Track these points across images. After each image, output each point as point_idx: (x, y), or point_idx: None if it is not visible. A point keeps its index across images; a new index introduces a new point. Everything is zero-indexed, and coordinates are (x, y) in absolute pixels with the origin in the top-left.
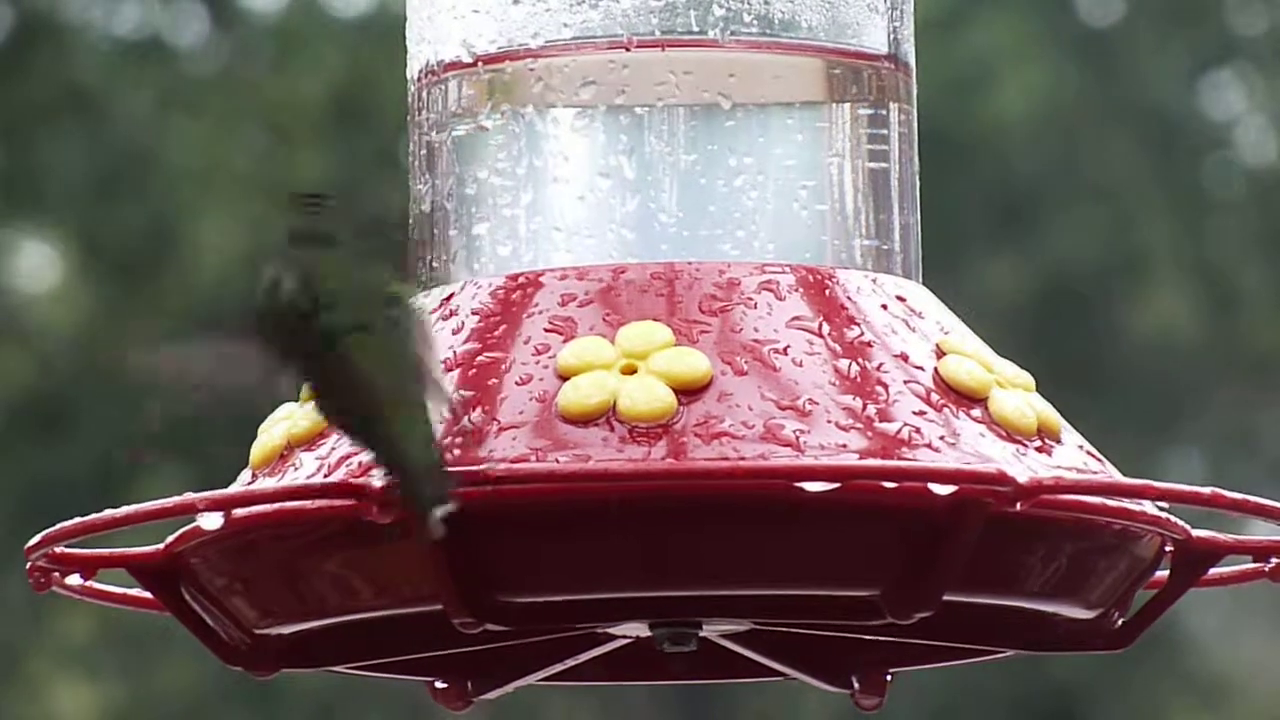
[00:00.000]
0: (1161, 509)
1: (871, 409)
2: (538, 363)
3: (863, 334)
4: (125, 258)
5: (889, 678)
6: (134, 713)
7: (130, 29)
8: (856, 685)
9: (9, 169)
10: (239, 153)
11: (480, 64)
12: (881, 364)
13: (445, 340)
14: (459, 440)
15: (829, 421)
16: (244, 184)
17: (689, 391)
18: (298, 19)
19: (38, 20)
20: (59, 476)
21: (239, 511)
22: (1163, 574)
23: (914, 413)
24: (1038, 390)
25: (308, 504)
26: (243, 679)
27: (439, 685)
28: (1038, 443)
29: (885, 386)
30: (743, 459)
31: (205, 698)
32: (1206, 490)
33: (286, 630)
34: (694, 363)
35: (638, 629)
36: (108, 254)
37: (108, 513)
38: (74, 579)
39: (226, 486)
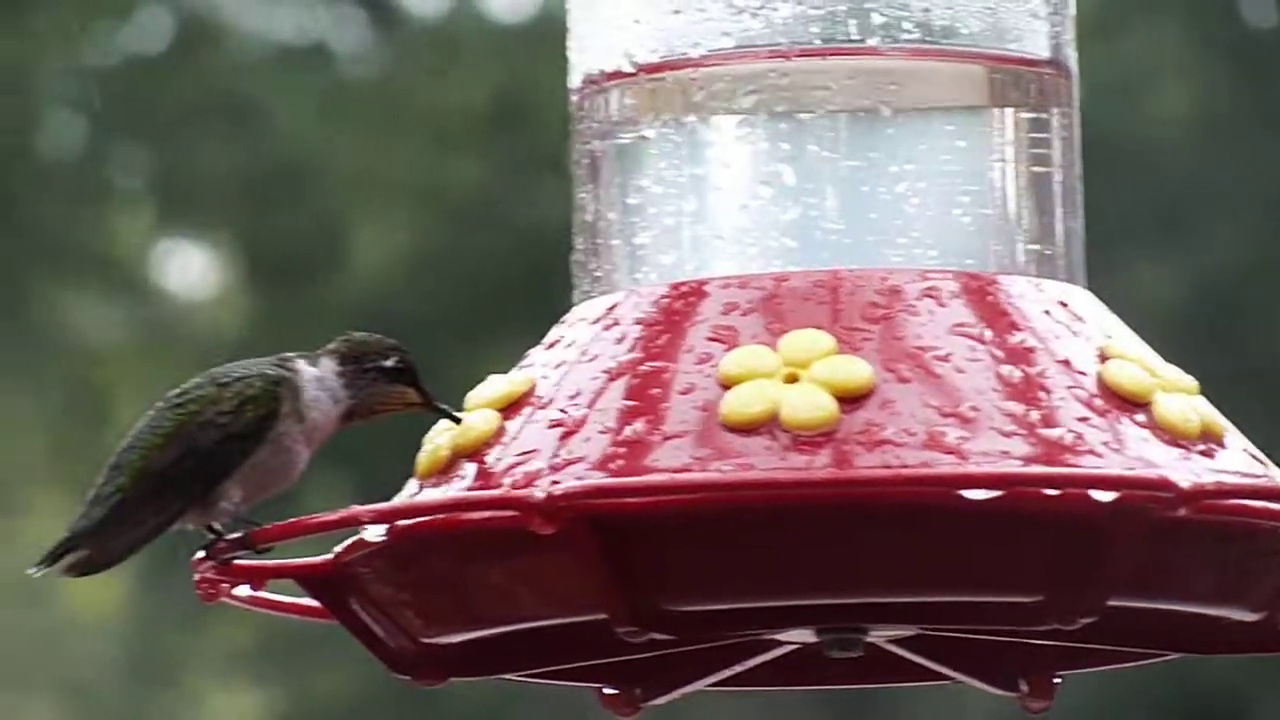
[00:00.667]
0: None
1: (1034, 415)
2: (700, 372)
3: (1025, 340)
4: (285, 264)
5: (1057, 680)
6: (297, 717)
7: (290, 34)
8: (1024, 688)
9: (169, 175)
10: (398, 159)
11: (642, 73)
12: (1044, 369)
13: (608, 350)
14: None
15: (991, 428)
16: (403, 190)
17: (851, 400)
18: (457, 24)
19: (197, 25)
20: None
21: (403, 523)
22: None
23: (1077, 418)
24: (1201, 394)
25: (471, 515)
26: (403, 683)
27: (607, 691)
28: (1201, 447)
29: (1048, 392)
30: (905, 467)
31: (366, 703)
32: None
33: (454, 639)
34: (856, 371)
35: (804, 635)
36: (268, 260)
37: (274, 525)
38: (242, 589)
39: (393, 496)
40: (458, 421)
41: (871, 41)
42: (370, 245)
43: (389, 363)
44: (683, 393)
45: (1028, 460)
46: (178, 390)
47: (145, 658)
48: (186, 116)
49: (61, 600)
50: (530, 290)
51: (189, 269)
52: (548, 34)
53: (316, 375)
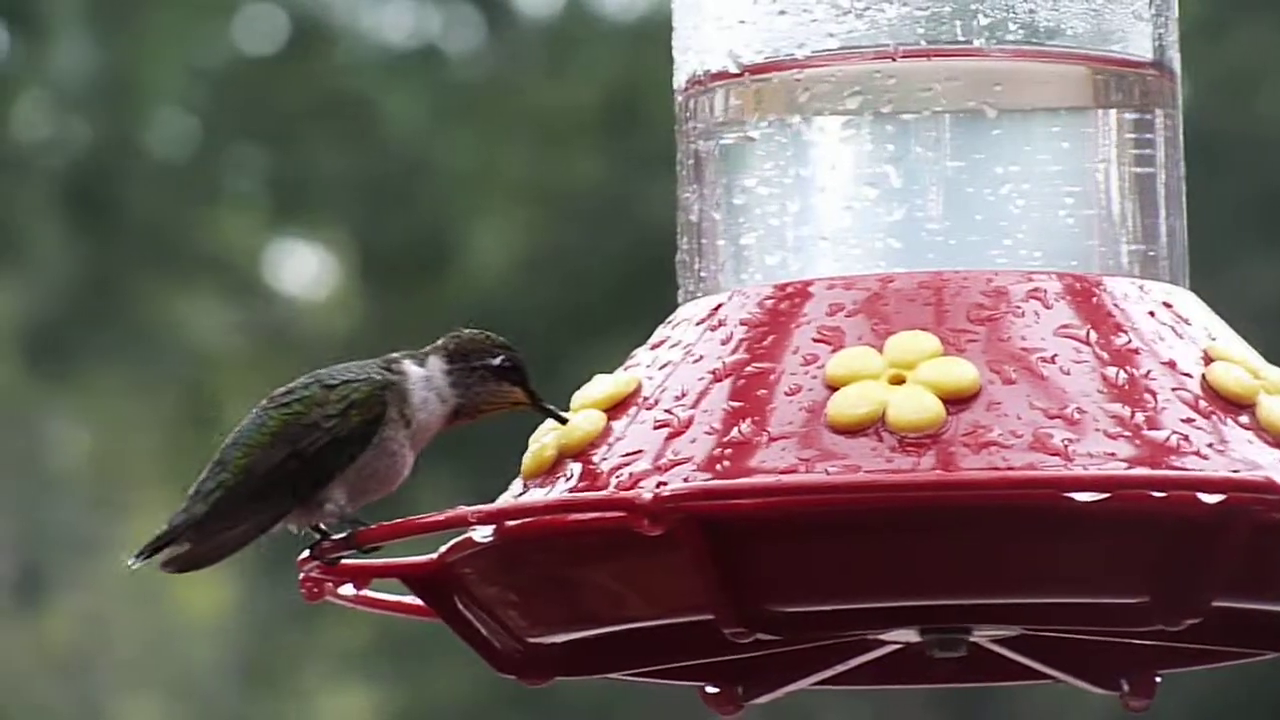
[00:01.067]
0: None
1: (1139, 417)
2: (806, 373)
3: (1130, 341)
4: (399, 265)
5: (1158, 680)
6: (410, 717)
7: (403, 35)
8: (1125, 687)
9: (283, 175)
10: (511, 158)
11: (747, 74)
12: (1149, 371)
13: (713, 350)
14: None
15: (1097, 430)
16: (517, 190)
17: (957, 401)
18: (571, 23)
19: (310, 26)
20: None
21: (510, 523)
22: None
23: (1182, 420)
24: None
25: (578, 515)
26: (512, 683)
27: (710, 690)
28: None
29: (1153, 394)
30: (1011, 469)
31: (478, 703)
32: None
33: (559, 639)
34: (962, 372)
35: (907, 635)
36: (381, 261)
37: (379, 525)
38: (347, 589)
39: (499, 496)
40: (564, 422)
41: (976, 42)
42: (483, 245)
43: (497, 361)
44: (789, 394)
45: (1133, 462)
46: (285, 389)
47: (256, 658)
48: (299, 117)
49: (173, 601)
50: (645, 289)
51: (302, 270)
52: (661, 31)
53: (424, 375)
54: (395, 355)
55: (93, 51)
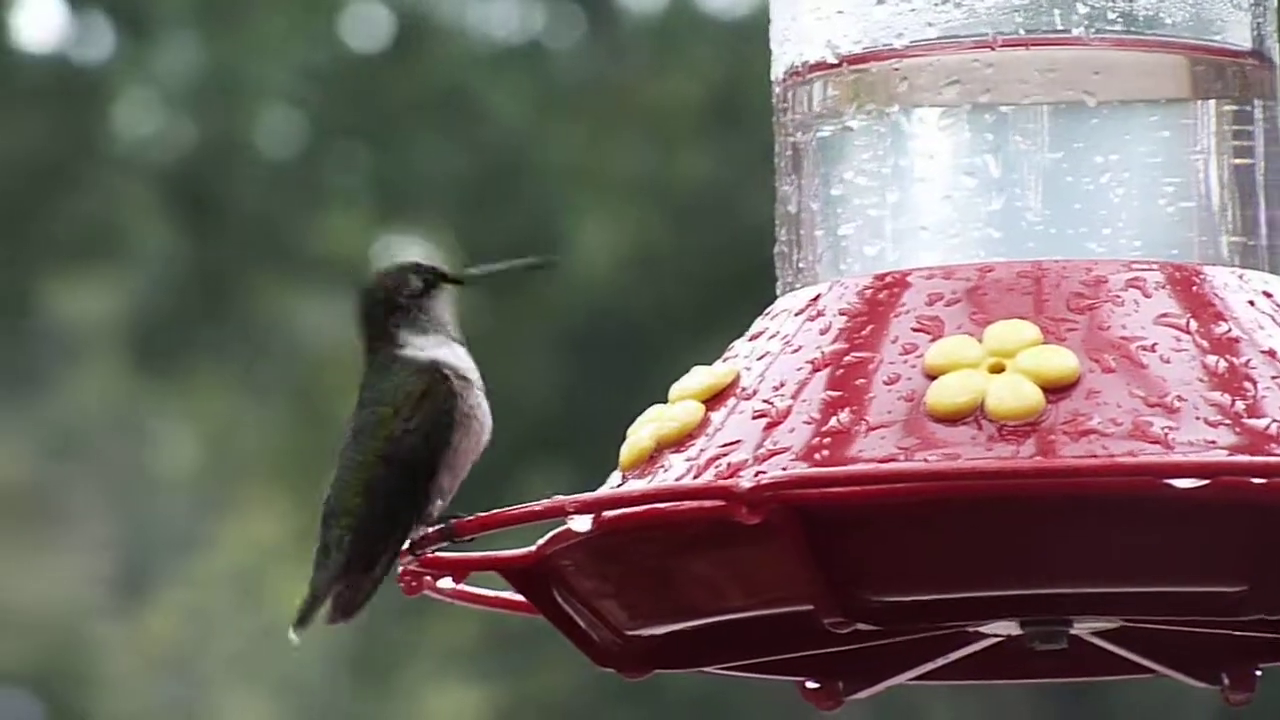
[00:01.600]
0: None
1: (1239, 405)
2: (905, 362)
3: (1230, 330)
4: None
5: (1258, 673)
6: (517, 713)
7: (508, 32)
8: (1225, 681)
9: (388, 171)
10: (616, 155)
11: (845, 64)
12: (1249, 360)
13: (812, 340)
14: None
15: (1197, 418)
16: (623, 186)
17: (1057, 389)
18: (675, 20)
19: (416, 23)
20: None
21: (608, 514)
22: None
23: None
24: None
25: (676, 505)
26: (614, 677)
27: (810, 685)
28: None
29: (1253, 382)
30: (1111, 456)
31: (587, 698)
32: None
33: (657, 631)
34: (1062, 361)
35: (1007, 627)
36: (487, 258)
37: (476, 516)
38: (445, 582)
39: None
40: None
41: (1075, 31)
42: (587, 241)
43: (413, 286)
44: (888, 383)
45: (1233, 450)
46: (353, 424)
47: (363, 654)
48: (405, 114)
49: (280, 598)
50: (749, 284)
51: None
52: (764, 26)
53: (425, 337)
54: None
55: (198, 49)
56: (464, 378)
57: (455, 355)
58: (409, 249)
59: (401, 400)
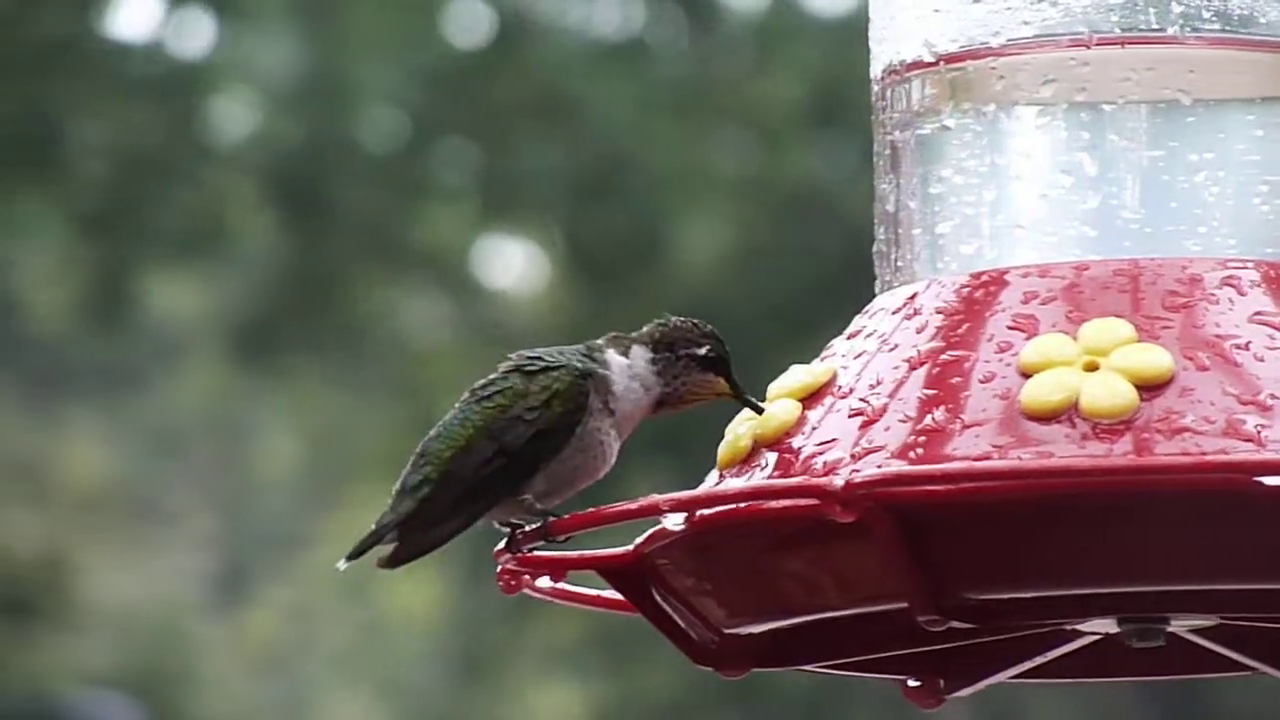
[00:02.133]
0: None
1: None
2: (1000, 360)
3: None
4: (608, 260)
5: None
6: (620, 713)
7: (609, 31)
8: None
9: (491, 171)
10: (719, 153)
11: (942, 63)
12: None
13: (909, 339)
14: None
15: None
16: (725, 185)
17: (1151, 388)
18: (777, 18)
19: (517, 22)
20: None
21: (703, 512)
22: None
23: None
24: None
25: (771, 504)
26: (713, 675)
27: (911, 683)
28: None
29: None
30: (1204, 454)
31: (690, 697)
32: None
33: (755, 629)
34: (1156, 359)
35: (1105, 626)
36: (591, 256)
37: (572, 515)
38: (543, 581)
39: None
40: (761, 412)
41: (1170, 30)
42: (690, 239)
43: (703, 351)
44: (983, 381)
45: None
46: (486, 380)
47: (465, 654)
48: (507, 112)
49: (385, 596)
50: (851, 281)
51: (511, 265)
52: (866, 25)
53: (626, 364)
54: (599, 342)
55: (300, 47)
56: (611, 408)
57: (630, 395)
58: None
59: (539, 387)
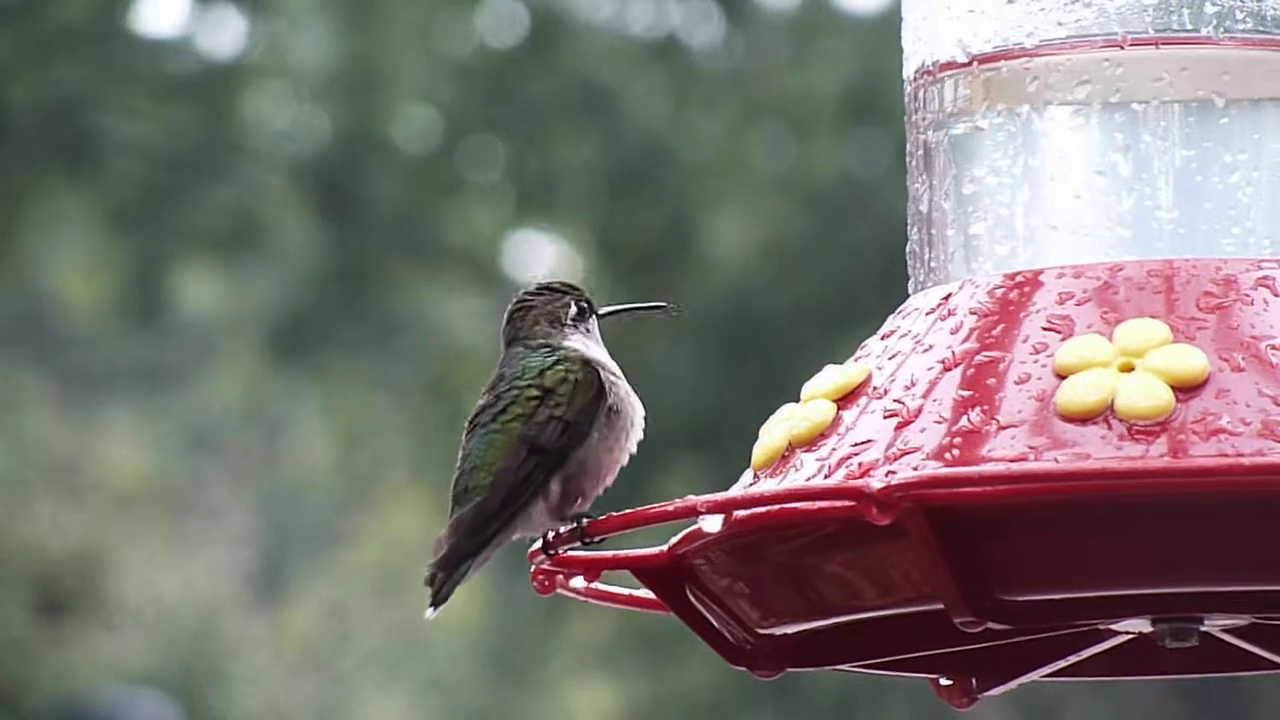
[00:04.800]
0: None
1: None
2: (1035, 361)
3: None
4: (642, 255)
5: None
6: (655, 712)
7: (643, 27)
8: None
9: (525, 167)
10: (753, 149)
11: (976, 63)
12: None
13: (943, 340)
14: None
15: None
16: (759, 181)
17: (1187, 389)
18: (811, 14)
19: (551, 18)
20: None
21: (739, 514)
22: None
23: None
24: None
25: (807, 506)
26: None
27: (943, 682)
28: None
29: None
30: (1241, 455)
31: (725, 696)
32: None
33: (790, 629)
34: (1192, 360)
35: (1139, 625)
36: (625, 251)
37: (608, 516)
38: (578, 581)
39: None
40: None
41: (1204, 31)
42: (723, 235)
43: (573, 309)
44: (1018, 382)
45: None
46: (480, 407)
47: (502, 652)
48: (541, 109)
49: (421, 594)
50: (885, 279)
51: (544, 262)
52: (900, 24)
53: (584, 340)
54: (536, 344)
55: (334, 43)
56: (614, 376)
57: (611, 366)
58: (554, 268)
59: (554, 383)
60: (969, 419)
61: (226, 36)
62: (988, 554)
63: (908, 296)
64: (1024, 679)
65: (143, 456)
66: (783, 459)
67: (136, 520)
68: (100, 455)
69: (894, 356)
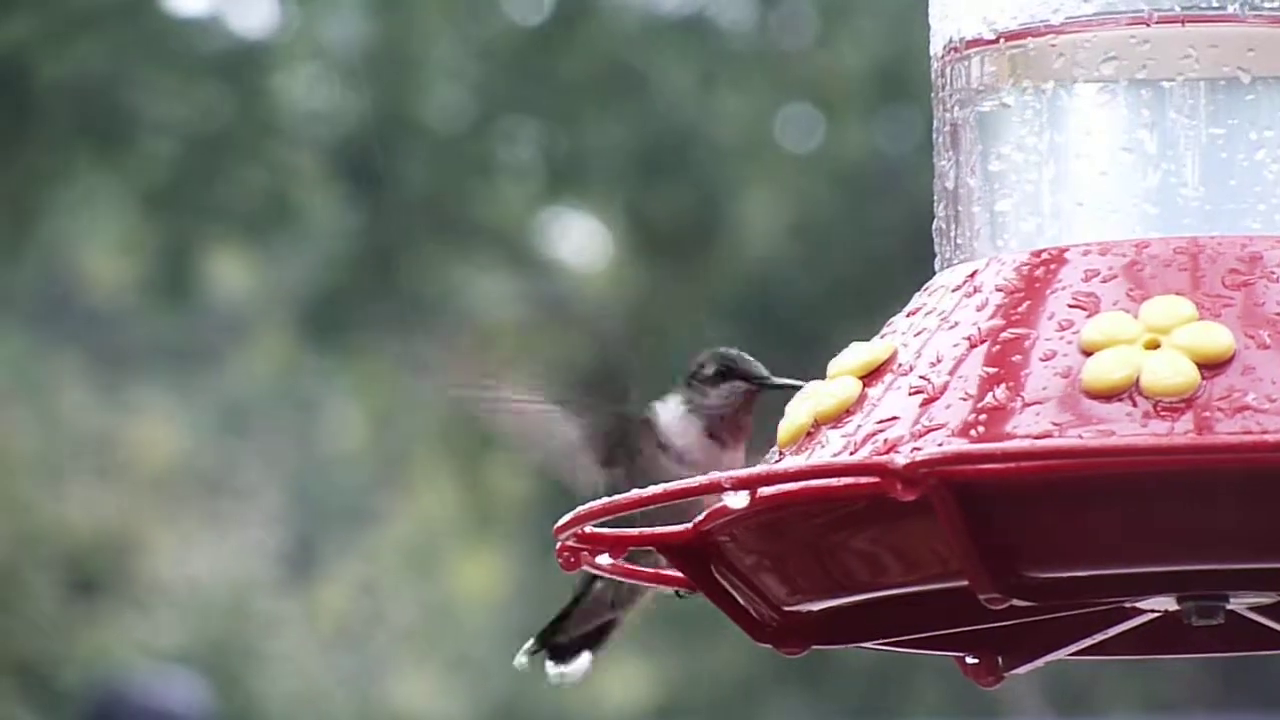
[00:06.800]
0: None
1: None
2: (1061, 338)
3: None
4: (672, 235)
5: None
6: (686, 690)
7: (673, 6)
8: None
9: (555, 147)
10: (783, 128)
11: (1002, 40)
12: None
13: (969, 317)
14: None
15: None
16: (788, 159)
17: (1212, 366)
18: None
19: None
20: None
21: (765, 490)
22: None
23: None
24: None
25: (832, 482)
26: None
27: (969, 660)
28: None
29: None
30: (1266, 432)
31: (755, 675)
32: None
33: (815, 607)
34: (1217, 337)
35: (1164, 603)
36: (655, 231)
37: (634, 492)
38: (604, 558)
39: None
40: (797, 389)
41: (1231, 8)
42: (753, 214)
43: (709, 370)
44: (1044, 359)
45: None
46: None
47: (533, 630)
48: (571, 88)
49: (451, 573)
50: (914, 258)
51: (575, 241)
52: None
53: (670, 407)
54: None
55: (365, 23)
56: (665, 445)
57: (684, 432)
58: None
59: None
60: (994, 395)
61: (257, 16)
62: (1013, 530)
63: (933, 275)
64: (1051, 657)
65: (175, 436)
66: (808, 436)
67: (168, 500)
68: (132, 435)
69: (920, 333)
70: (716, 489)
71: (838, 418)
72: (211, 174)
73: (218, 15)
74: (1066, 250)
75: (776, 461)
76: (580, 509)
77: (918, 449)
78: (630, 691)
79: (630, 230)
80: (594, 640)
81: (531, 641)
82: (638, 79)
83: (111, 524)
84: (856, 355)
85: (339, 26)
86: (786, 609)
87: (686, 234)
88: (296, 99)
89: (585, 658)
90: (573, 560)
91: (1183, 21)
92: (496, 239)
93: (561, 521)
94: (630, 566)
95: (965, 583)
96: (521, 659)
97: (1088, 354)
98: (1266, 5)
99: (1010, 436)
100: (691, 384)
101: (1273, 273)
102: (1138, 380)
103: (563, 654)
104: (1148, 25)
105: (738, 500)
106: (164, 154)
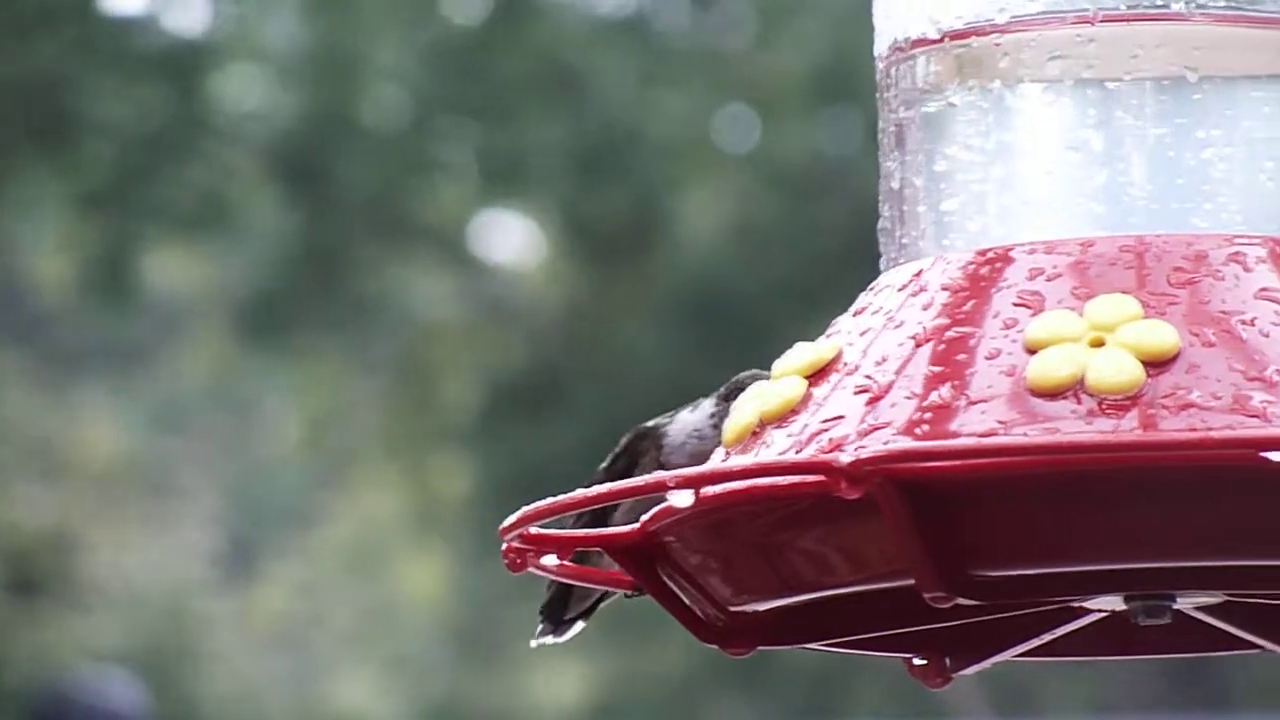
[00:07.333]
0: None
1: None
2: (1006, 337)
3: None
4: (611, 235)
5: None
6: (625, 691)
7: (611, 7)
8: None
9: (492, 147)
10: (722, 128)
11: (948, 40)
12: None
13: (915, 316)
14: None
15: None
16: (728, 160)
17: (1157, 364)
18: None
19: None
20: (550, 454)
21: (710, 489)
22: None
23: None
24: None
25: (778, 480)
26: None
27: (917, 662)
28: None
29: None
30: (1211, 429)
31: (694, 675)
32: None
33: (762, 607)
34: (1162, 335)
35: (1112, 603)
36: (594, 232)
37: (579, 492)
38: (550, 559)
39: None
40: None
41: (1177, 7)
42: (692, 214)
43: (734, 388)
44: (989, 358)
45: None
46: None
47: (472, 631)
48: (509, 88)
49: (392, 574)
50: (856, 258)
51: (512, 241)
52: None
53: (689, 419)
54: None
55: (303, 24)
56: (663, 462)
57: (684, 448)
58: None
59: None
60: (940, 394)
61: (193, 15)
62: (959, 529)
63: (878, 275)
64: (998, 658)
65: (115, 436)
66: (754, 435)
67: (109, 500)
68: (73, 435)
69: (865, 333)
70: (661, 488)
71: (783, 417)
72: (150, 174)
73: (154, 14)
74: (1012, 249)
75: (722, 461)
76: (526, 509)
77: (862, 447)
78: (571, 691)
79: (569, 230)
80: (590, 612)
81: (540, 624)
82: (576, 79)
83: (53, 524)
84: (802, 355)
85: (278, 26)
86: (733, 609)
87: (625, 234)
88: (234, 99)
89: (578, 626)
90: (519, 561)
91: (1128, 20)
92: (435, 239)
93: (507, 522)
94: (577, 567)
95: (911, 582)
96: (535, 641)
97: (1032, 352)
98: (1213, 4)
99: (955, 435)
100: (727, 403)
101: (1218, 271)
102: (1083, 378)
103: (561, 625)
104: (1093, 24)
105: (683, 499)
106: (104, 153)
